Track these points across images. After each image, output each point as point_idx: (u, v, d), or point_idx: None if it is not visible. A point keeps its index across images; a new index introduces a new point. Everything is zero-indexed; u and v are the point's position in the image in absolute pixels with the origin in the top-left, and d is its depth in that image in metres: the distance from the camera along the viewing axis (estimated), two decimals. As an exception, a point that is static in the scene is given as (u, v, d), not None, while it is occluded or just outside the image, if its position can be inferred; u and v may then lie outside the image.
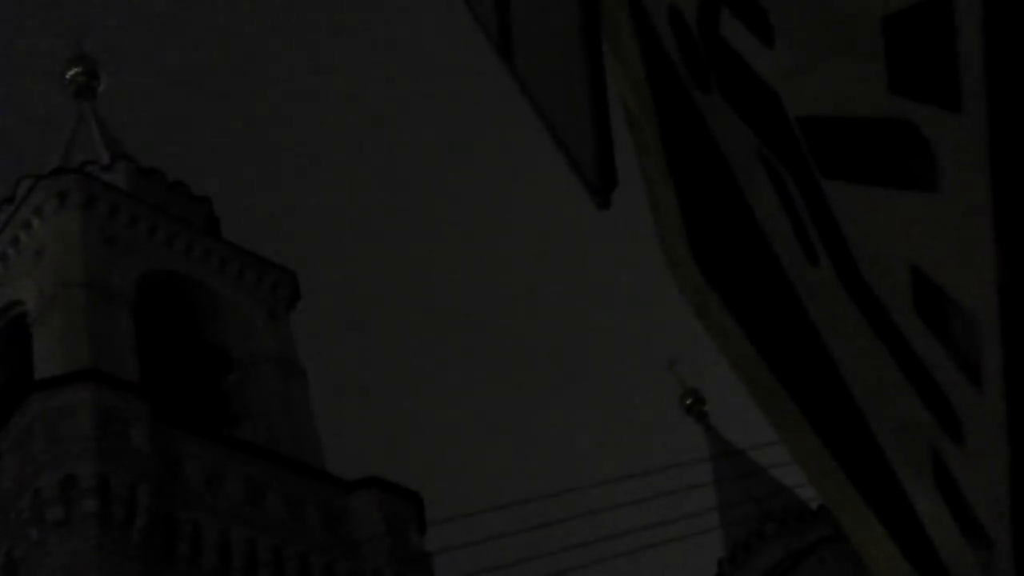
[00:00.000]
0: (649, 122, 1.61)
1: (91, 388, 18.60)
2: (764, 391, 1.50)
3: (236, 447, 20.52)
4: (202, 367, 23.37)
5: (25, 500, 17.62)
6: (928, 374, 1.02)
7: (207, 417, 21.85)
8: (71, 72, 30.22)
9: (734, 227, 1.48)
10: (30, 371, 20.61)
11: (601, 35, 1.72)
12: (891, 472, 1.25)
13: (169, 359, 22.78)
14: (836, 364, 1.29)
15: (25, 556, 17.39)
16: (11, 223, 23.91)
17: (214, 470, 19.55)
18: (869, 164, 0.94)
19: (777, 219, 1.25)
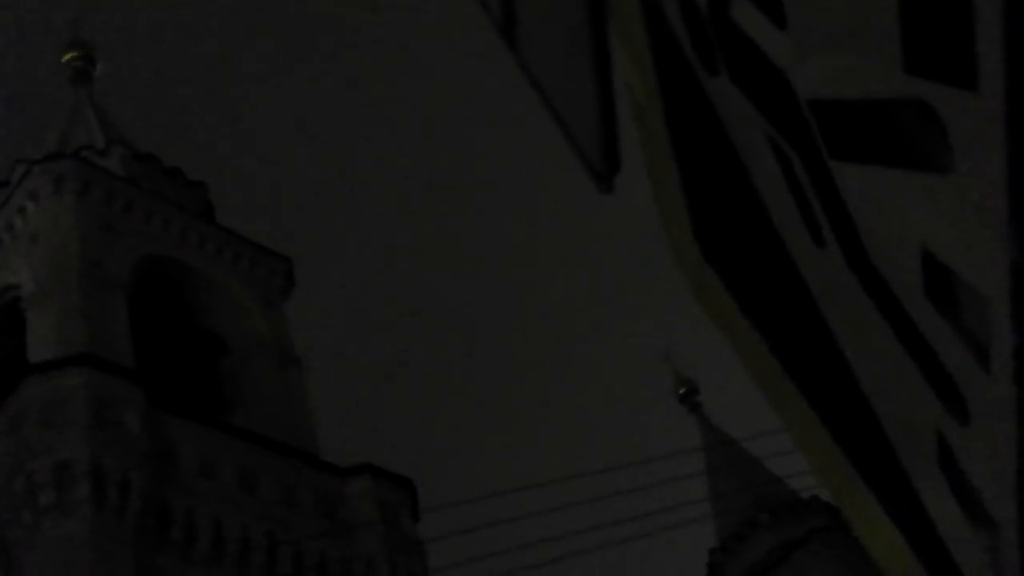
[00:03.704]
0: (654, 104, 1.61)
1: (85, 373, 18.57)
2: (763, 371, 1.50)
3: (230, 433, 20.51)
4: (196, 353, 23.35)
5: (18, 484, 17.61)
6: (935, 356, 1.03)
7: (201, 403, 21.84)
8: (67, 57, 30.13)
9: (738, 209, 1.48)
10: (24, 355, 20.58)
11: (607, 19, 1.72)
12: (894, 456, 1.25)
13: (163, 344, 22.76)
14: (840, 346, 1.29)
15: (18, 540, 17.39)
16: (6, 207, 23.85)
17: (208, 456, 19.55)
18: (881, 145, 0.94)
19: (783, 201, 1.25)
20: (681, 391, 39.90)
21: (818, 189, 1.11)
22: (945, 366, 1.00)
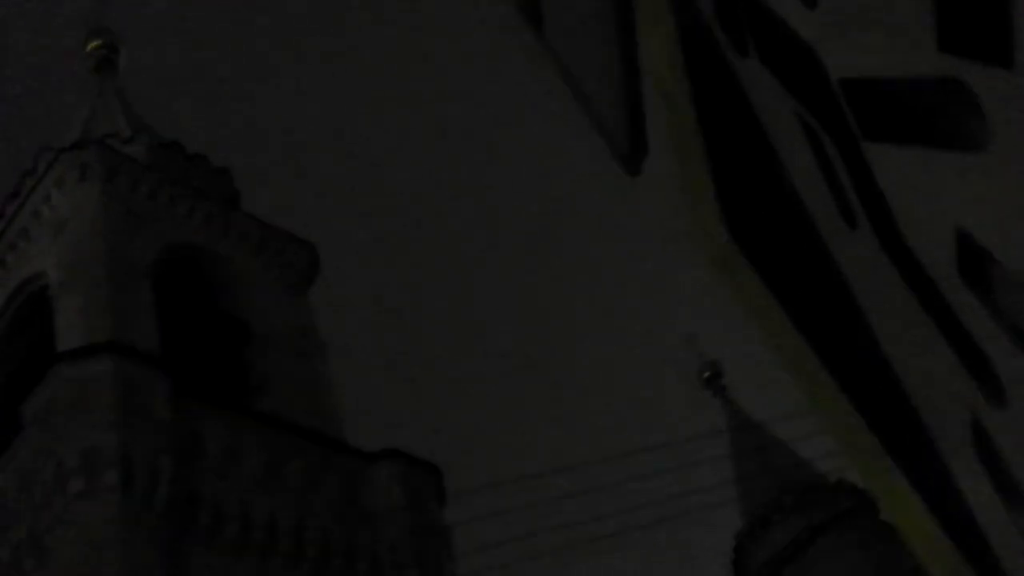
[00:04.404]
0: (682, 87, 1.60)
1: (113, 360, 18.69)
2: (791, 353, 1.49)
3: (256, 419, 20.61)
4: (222, 340, 23.46)
5: (48, 471, 17.76)
6: (970, 337, 1.02)
7: (227, 390, 21.94)
8: (91, 46, 30.24)
9: (767, 191, 1.47)
10: (52, 343, 20.72)
11: (634, 2, 1.71)
12: (929, 439, 1.25)
13: (189, 331, 22.87)
14: (872, 328, 1.29)
15: (48, 527, 17.54)
16: (32, 196, 23.99)
17: (234, 442, 19.65)
18: (914, 125, 0.93)
19: (814, 181, 1.24)
20: (706, 375, 39.83)
21: (850, 170, 1.10)
22: (981, 349, 1.00)
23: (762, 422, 35.89)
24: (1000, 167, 0.82)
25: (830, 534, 33.16)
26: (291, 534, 19.24)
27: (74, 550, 16.98)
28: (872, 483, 1.41)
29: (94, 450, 17.73)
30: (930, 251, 0.99)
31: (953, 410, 1.09)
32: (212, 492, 18.77)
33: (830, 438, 1.56)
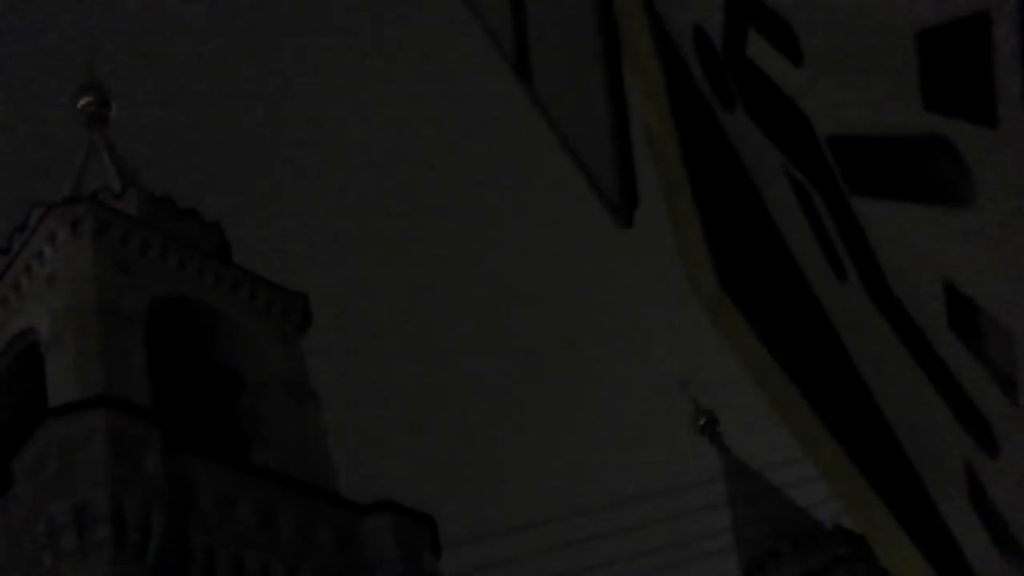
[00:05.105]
0: (670, 139, 1.62)
1: (104, 414, 18.62)
2: (785, 405, 1.49)
3: (249, 471, 20.50)
4: (214, 391, 23.38)
5: (39, 527, 17.62)
6: (961, 388, 1.02)
7: (219, 441, 21.84)
8: (82, 101, 30.38)
9: (757, 242, 1.48)
10: (44, 398, 20.63)
11: (621, 55, 1.73)
12: (922, 487, 1.25)
13: (182, 383, 22.80)
14: (864, 379, 1.29)
15: (39, 583, 17.36)
16: (24, 251, 23.99)
17: (227, 494, 19.54)
18: (901, 180, 0.94)
19: (802, 234, 1.25)
20: (701, 421, 39.76)
21: (838, 223, 1.11)
22: (972, 399, 1.00)
23: (758, 468, 35.78)
24: (986, 223, 0.83)
25: (827, 580, 32.93)
26: (285, 587, 19.07)
27: (65, 607, 16.80)
28: (867, 530, 1.40)
29: (85, 506, 17.61)
30: (919, 303, 1.00)
31: (946, 460, 1.10)
32: (204, 544, 18.63)
33: (826, 484, 1.56)
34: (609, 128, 1.74)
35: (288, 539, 19.60)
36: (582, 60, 1.75)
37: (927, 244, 0.90)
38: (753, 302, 1.54)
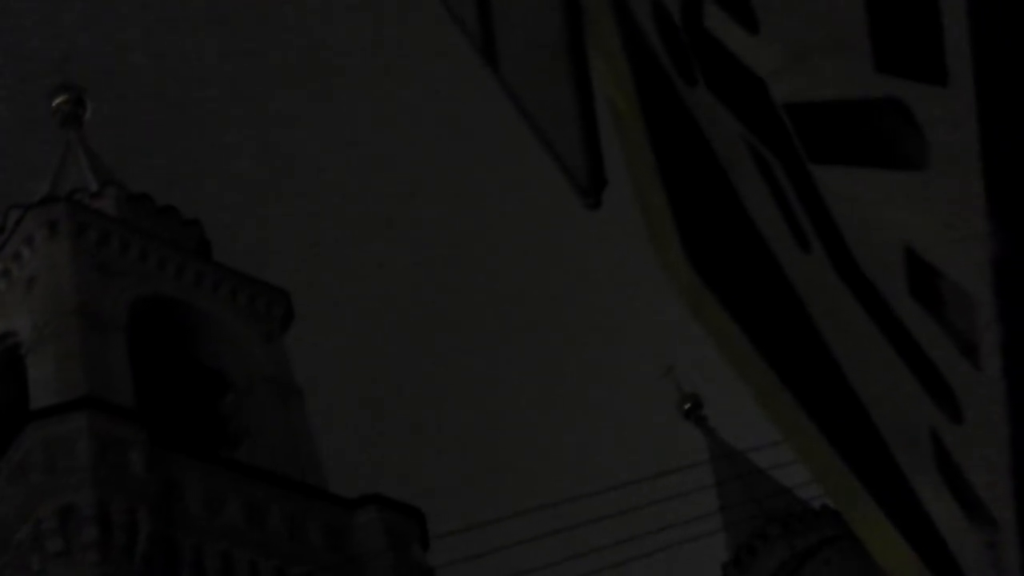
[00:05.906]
0: (636, 118, 1.61)
1: (87, 416, 18.55)
2: (762, 387, 1.49)
3: (235, 469, 20.46)
4: (198, 390, 23.32)
5: (25, 531, 17.55)
6: (924, 355, 1.02)
7: (205, 440, 21.80)
8: (57, 101, 30.21)
9: (725, 219, 1.47)
10: (26, 401, 20.54)
11: (585, 36, 1.72)
12: (893, 460, 1.25)
13: (165, 383, 22.73)
14: (833, 353, 1.29)
15: (27, 587, 17.31)
16: (1, 254, 23.86)
17: (214, 493, 19.50)
18: (858, 146, 0.93)
19: (766, 207, 1.25)
20: (686, 406, 39.88)
21: (799, 193, 1.11)
22: (936, 365, 1.00)
23: (744, 451, 35.91)
24: (942, 185, 0.82)
25: (816, 560, 33.13)
26: (274, 584, 19.06)
27: (54, 610, 16.76)
28: (845, 510, 1.40)
29: (71, 508, 17.55)
30: (881, 271, 0.99)
31: (915, 430, 1.09)
32: (192, 544, 18.59)
33: (807, 469, 1.55)
34: (575, 110, 1.73)
35: (276, 536, 19.58)
36: (547, 43, 1.74)
37: (886, 209, 0.89)
38: (726, 285, 1.54)
